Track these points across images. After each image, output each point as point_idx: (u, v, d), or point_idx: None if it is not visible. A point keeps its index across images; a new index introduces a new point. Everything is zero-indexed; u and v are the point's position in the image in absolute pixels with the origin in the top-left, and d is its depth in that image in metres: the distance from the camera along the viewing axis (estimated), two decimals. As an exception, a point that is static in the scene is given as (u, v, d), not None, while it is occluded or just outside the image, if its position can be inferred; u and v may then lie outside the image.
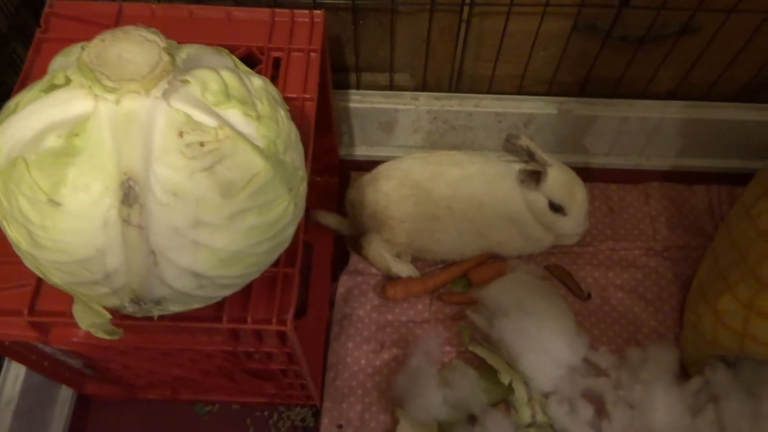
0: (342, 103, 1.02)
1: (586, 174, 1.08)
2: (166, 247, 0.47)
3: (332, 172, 1.12)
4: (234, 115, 0.51)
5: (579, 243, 1.08)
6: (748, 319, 0.76)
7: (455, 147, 1.09)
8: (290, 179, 0.53)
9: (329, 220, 1.08)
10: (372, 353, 1.00)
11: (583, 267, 1.07)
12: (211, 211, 0.47)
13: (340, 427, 0.94)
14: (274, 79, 0.76)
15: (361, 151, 1.11)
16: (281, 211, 0.51)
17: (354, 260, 1.06)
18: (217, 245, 0.48)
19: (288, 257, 0.64)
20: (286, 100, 0.74)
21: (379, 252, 1.03)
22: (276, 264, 0.63)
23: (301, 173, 0.56)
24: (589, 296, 1.04)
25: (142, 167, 0.46)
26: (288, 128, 0.55)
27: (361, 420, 0.95)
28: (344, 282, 1.05)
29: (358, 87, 1.02)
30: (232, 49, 0.76)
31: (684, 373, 0.93)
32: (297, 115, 0.74)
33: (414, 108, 1.02)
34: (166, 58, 0.48)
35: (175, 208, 0.46)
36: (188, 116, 0.48)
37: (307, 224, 1.10)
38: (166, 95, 0.48)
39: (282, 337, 0.65)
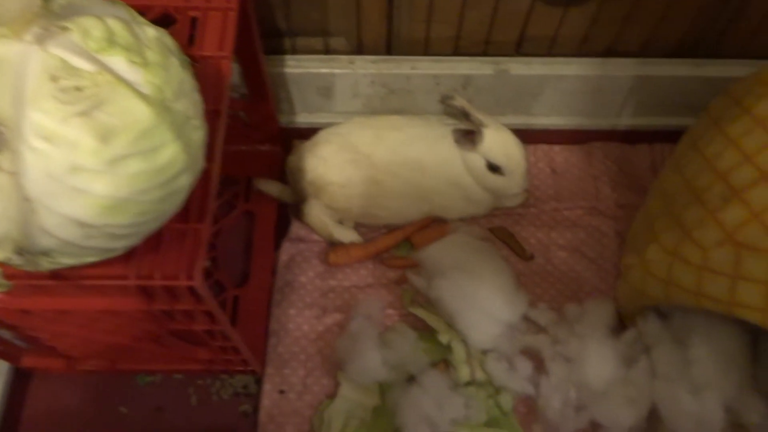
0: (277, 69, 1.01)
1: (529, 135, 1.08)
2: (43, 194, 0.46)
3: (274, 140, 1.11)
4: (117, 61, 0.50)
5: (522, 204, 1.08)
6: (672, 267, 0.77)
7: (396, 111, 1.08)
8: (181, 127, 0.52)
9: (271, 188, 1.07)
10: (315, 319, 1.00)
11: (527, 228, 1.08)
12: (89, 156, 0.46)
13: (282, 392, 0.94)
14: (191, 39, 0.75)
15: (303, 119, 1.10)
16: (170, 158, 0.51)
17: (295, 227, 1.06)
18: (98, 192, 0.47)
19: (199, 212, 0.64)
20: (203, 59, 0.74)
21: (321, 218, 1.03)
22: (186, 219, 0.63)
23: (196, 122, 0.55)
24: (531, 257, 1.05)
25: (13, 112, 0.45)
26: (180, 77, 0.54)
27: (304, 385, 0.95)
28: (286, 249, 1.05)
29: (293, 52, 1.01)
30: (146, 9, 0.76)
31: (622, 326, 0.94)
32: (212, 74, 0.73)
33: (351, 72, 1.01)
34: (37, 1, 0.47)
35: (48, 153, 0.45)
36: (64, 61, 0.47)
37: (250, 193, 1.10)
38: (40, 40, 0.47)
39: (195, 294, 0.64)
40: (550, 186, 1.11)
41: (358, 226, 1.06)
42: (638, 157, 1.13)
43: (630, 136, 1.13)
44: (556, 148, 1.14)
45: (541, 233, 1.07)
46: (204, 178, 0.65)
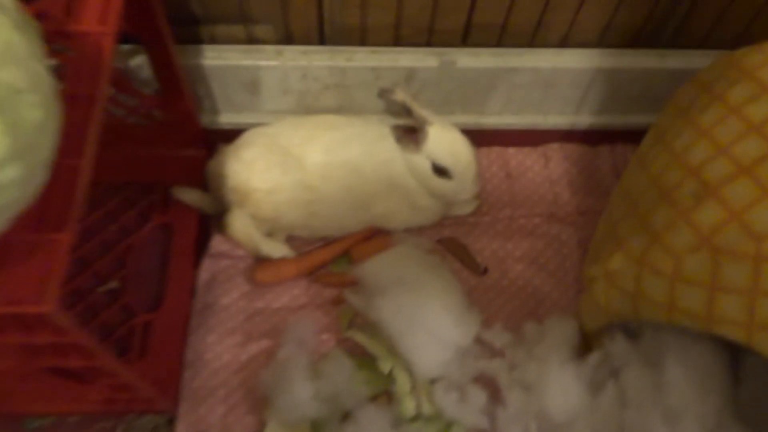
0: (195, 61, 0.88)
1: (480, 137, 0.97)
2: None
3: (195, 143, 0.98)
4: None
5: (474, 212, 0.98)
6: (640, 278, 0.66)
7: (332, 110, 0.97)
8: (2, 103, 0.39)
9: (190, 196, 0.94)
10: (238, 347, 0.86)
11: (480, 238, 0.97)
12: None
13: (197, 434, 0.81)
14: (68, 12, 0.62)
15: (227, 119, 0.98)
16: (-17, 142, 0.38)
17: (217, 241, 0.93)
18: None
19: (58, 219, 0.51)
20: (80, 34, 0.61)
21: (246, 230, 0.90)
22: (40, 228, 0.50)
23: (33, 99, 0.42)
24: (485, 271, 0.94)
25: None
26: (8, 39, 0.41)
27: (224, 424, 0.82)
28: (207, 267, 0.92)
29: (212, 42, 0.89)
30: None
31: (586, 347, 0.83)
32: (90, 52, 0.60)
33: (279, 65, 0.90)
34: None
35: None
36: None
37: (168, 203, 0.97)
38: None
39: (53, 323, 0.51)
40: (505, 192, 1.01)
41: (289, 239, 0.94)
42: (599, 159, 1.04)
43: (590, 137, 1.04)
44: (511, 150, 1.04)
45: (495, 244, 0.96)
46: (69, 176, 0.53)
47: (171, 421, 0.83)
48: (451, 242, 0.95)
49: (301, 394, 0.78)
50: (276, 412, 0.79)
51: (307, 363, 0.82)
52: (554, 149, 1.04)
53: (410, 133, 0.86)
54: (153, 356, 0.85)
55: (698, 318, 0.62)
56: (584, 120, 1.02)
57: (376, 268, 0.86)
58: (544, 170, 1.02)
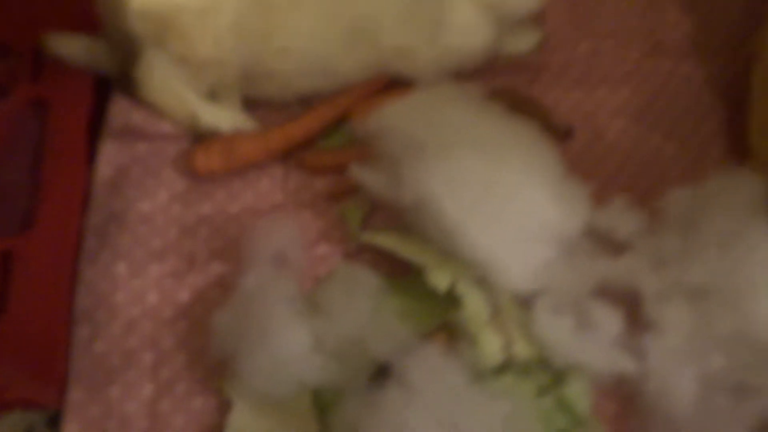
0: None
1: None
2: None
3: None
4: None
5: (539, 48, 0.62)
6: None
7: None
8: None
9: (72, 47, 0.56)
10: (171, 279, 0.50)
11: (552, 87, 0.62)
12: None
13: (103, 439, 0.44)
14: None
15: None
16: None
17: (124, 111, 0.55)
18: None
19: None
20: None
21: (170, 88, 0.53)
22: None
23: None
24: (569, 132, 0.59)
25: None
26: None
27: (152, 415, 0.45)
28: (110, 155, 0.54)
29: None
30: None
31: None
32: None
33: None
34: None
35: None
36: None
37: (41, 66, 0.59)
38: None
39: None
40: (577, 18, 0.66)
41: (249, 105, 0.57)
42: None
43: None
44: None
45: (578, 93, 0.61)
46: None
47: (54, 419, 0.46)
48: (510, 95, 0.60)
49: (291, 346, 0.42)
50: (246, 382, 0.43)
51: (294, 293, 0.45)
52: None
53: None
54: (17, 308, 0.48)
55: None
56: None
57: (403, 115, 0.49)
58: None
